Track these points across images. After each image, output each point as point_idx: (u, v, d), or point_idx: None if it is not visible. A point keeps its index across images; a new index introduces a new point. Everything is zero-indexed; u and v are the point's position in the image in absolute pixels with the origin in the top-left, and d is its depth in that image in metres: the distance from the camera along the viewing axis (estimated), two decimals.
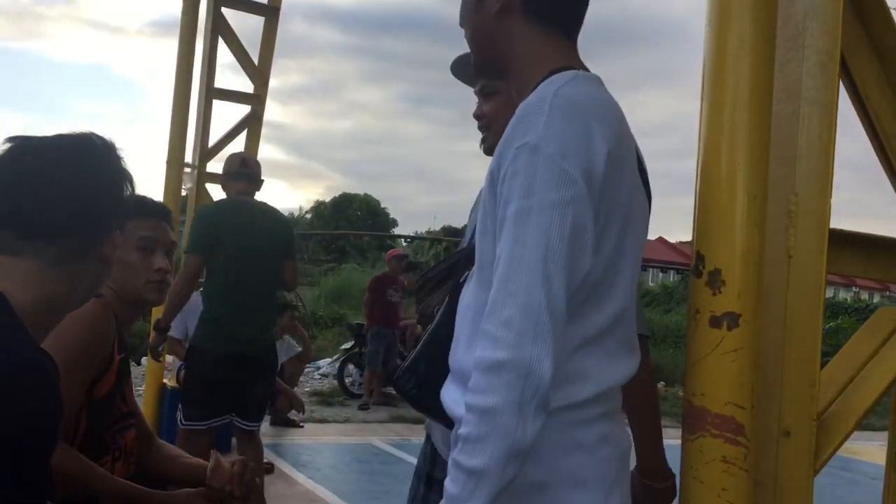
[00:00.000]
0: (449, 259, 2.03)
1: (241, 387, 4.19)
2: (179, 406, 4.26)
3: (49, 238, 1.28)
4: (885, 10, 1.60)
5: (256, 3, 6.75)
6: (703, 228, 1.36)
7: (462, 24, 1.50)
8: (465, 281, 1.46)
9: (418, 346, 1.64)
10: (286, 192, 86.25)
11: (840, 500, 6.49)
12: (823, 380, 1.46)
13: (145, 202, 2.09)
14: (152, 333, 4.60)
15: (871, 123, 1.63)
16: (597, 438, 1.30)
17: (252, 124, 6.77)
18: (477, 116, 1.97)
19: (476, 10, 1.44)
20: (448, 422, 1.41)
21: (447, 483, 1.19)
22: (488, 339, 1.18)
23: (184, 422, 4.17)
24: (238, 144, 6.84)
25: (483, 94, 1.97)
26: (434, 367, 1.52)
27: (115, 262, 1.42)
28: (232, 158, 4.54)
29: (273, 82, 8.39)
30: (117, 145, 1.43)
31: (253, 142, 6.81)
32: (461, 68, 2.00)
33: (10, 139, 1.33)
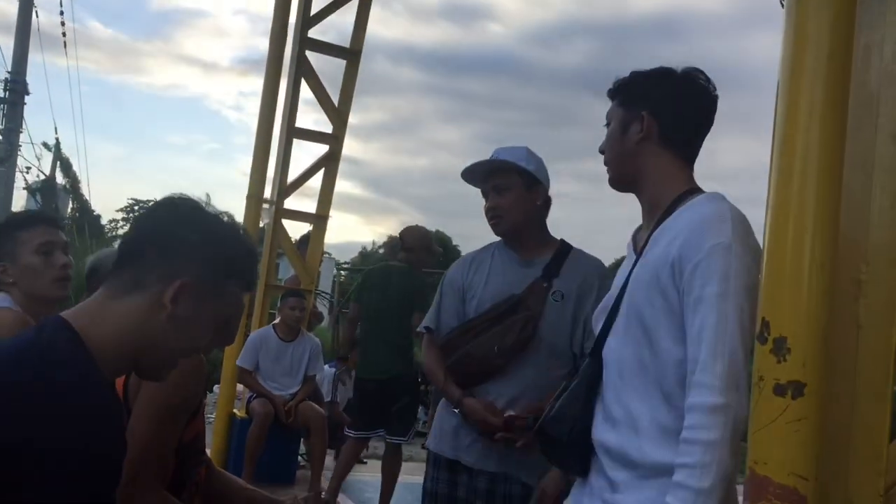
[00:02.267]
0: (492, 311, 2.67)
1: (381, 406, 5.41)
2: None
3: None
4: None
5: (338, 47, 6.95)
6: (769, 294, 1.36)
7: (603, 149, 1.92)
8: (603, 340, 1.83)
9: (562, 398, 1.93)
10: (360, 227, 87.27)
11: None
12: (892, 453, 1.42)
13: (34, 213, 2.35)
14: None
15: None
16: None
17: (329, 163, 6.93)
18: (491, 208, 2.73)
19: (621, 137, 1.86)
20: (579, 468, 1.84)
21: (671, 501, 1.54)
22: (705, 387, 1.56)
23: (348, 429, 5.69)
24: (315, 182, 7.02)
25: (497, 191, 2.70)
26: (584, 414, 1.83)
27: (177, 312, 1.35)
28: (395, 238, 5.90)
29: (354, 119, 8.61)
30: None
31: (329, 180, 6.97)
32: (470, 176, 2.78)
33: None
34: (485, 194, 2.78)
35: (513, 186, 2.72)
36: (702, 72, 1.87)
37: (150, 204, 1.44)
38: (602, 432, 1.77)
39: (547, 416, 1.95)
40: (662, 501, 1.57)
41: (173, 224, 1.40)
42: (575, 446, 1.87)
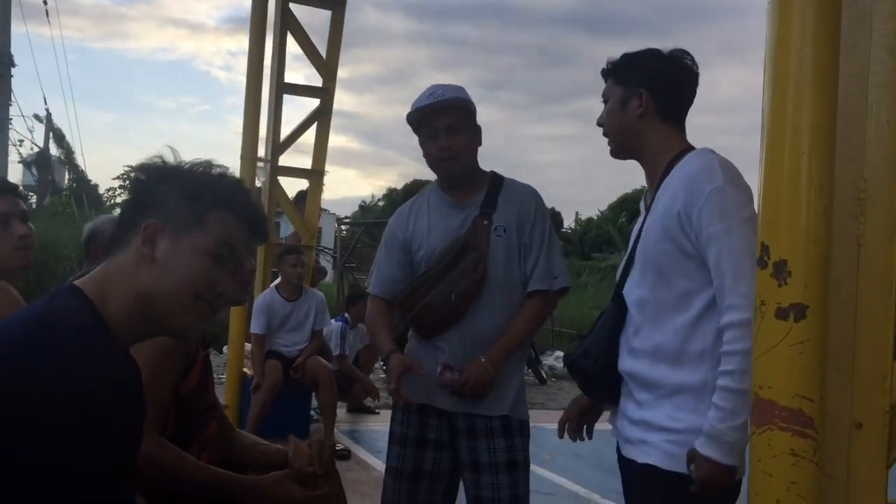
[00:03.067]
0: (443, 258, 2.68)
1: None
2: None
3: None
4: None
5: None
6: (767, 218, 1.34)
7: (602, 123, 2.18)
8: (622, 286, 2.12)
9: (589, 336, 2.19)
10: (358, 181, 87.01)
11: None
12: None
13: None
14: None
15: None
16: None
17: (321, 117, 6.87)
18: (446, 148, 2.65)
19: (621, 112, 2.13)
20: (608, 396, 2.14)
21: (718, 401, 1.84)
22: (735, 307, 1.83)
23: None
24: (308, 137, 6.97)
25: (451, 131, 2.64)
26: (607, 349, 2.10)
27: (156, 255, 1.38)
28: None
29: (345, 73, 8.54)
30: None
31: (323, 134, 6.92)
32: (417, 116, 2.67)
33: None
34: (430, 135, 2.69)
35: (466, 126, 2.69)
36: (686, 51, 2.14)
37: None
38: (627, 363, 2.07)
39: (576, 353, 2.21)
40: (677, 415, 1.94)
41: (145, 180, 1.43)
42: (600, 378, 2.14)
